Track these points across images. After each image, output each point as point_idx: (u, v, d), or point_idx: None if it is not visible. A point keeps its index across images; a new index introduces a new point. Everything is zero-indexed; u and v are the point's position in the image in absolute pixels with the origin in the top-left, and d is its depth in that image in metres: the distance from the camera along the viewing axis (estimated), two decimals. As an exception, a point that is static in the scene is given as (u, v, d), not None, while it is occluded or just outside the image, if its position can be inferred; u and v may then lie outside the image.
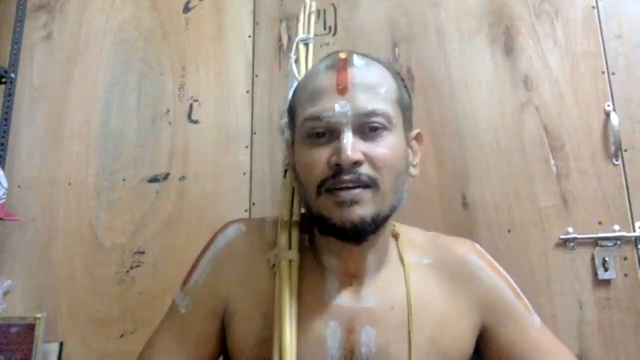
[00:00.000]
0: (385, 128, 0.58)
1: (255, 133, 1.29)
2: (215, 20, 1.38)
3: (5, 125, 1.35)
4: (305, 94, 0.62)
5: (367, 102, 0.58)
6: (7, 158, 1.34)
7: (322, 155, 0.57)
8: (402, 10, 1.29)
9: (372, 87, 0.59)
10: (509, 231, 1.12)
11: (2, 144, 1.34)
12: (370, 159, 0.56)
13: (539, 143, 1.15)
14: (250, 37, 1.35)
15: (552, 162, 1.14)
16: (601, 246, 1.07)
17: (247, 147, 1.28)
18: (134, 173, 1.30)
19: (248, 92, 1.32)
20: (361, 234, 0.57)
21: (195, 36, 1.37)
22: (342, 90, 0.58)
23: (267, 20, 1.36)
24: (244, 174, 1.26)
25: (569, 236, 1.09)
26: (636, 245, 1.07)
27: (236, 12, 1.38)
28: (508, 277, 0.68)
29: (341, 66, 0.60)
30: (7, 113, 1.36)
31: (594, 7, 1.19)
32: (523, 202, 1.13)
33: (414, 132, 0.66)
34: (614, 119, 1.11)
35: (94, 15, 1.43)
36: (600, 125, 1.13)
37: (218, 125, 1.30)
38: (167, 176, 1.28)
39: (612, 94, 1.14)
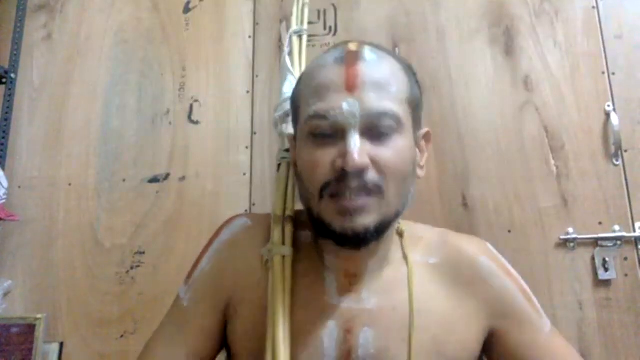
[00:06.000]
0: (394, 130, 0.54)
1: (255, 133, 1.29)
2: (215, 20, 1.38)
3: (5, 125, 1.35)
4: (310, 87, 0.57)
5: (377, 102, 0.53)
6: (7, 158, 1.34)
7: (326, 156, 0.54)
8: (402, 10, 1.29)
9: (383, 85, 0.55)
10: (509, 231, 1.12)
11: (2, 144, 1.34)
12: (376, 163, 0.53)
13: (539, 143, 1.15)
14: (250, 37, 1.35)
15: (552, 162, 1.14)
16: (601, 246, 1.07)
17: (247, 147, 1.28)
18: (134, 173, 1.29)
19: (248, 92, 1.32)
20: (362, 242, 0.54)
21: (195, 36, 1.37)
22: (351, 87, 0.53)
23: (267, 20, 1.36)
24: (244, 174, 1.26)
25: (569, 236, 1.08)
26: (636, 245, 1.07)
27: (236, 12, 1.38)
28: (520, 279, 0.65)
29: (351, 60, 0.55)
30: (7, 113, 1.36)
31: (594, 7, 1.19)
32: (523, 202, 1.13)
33: (423, 131, 0.63)
34: (614, 119, 1.11)
35: (94, 15, 1.43)
36: (600, 126, 1.13)
37: (218, 125, 1.30)
38: (167, 176, 1.28)
39: (612, 94, 1.14)
